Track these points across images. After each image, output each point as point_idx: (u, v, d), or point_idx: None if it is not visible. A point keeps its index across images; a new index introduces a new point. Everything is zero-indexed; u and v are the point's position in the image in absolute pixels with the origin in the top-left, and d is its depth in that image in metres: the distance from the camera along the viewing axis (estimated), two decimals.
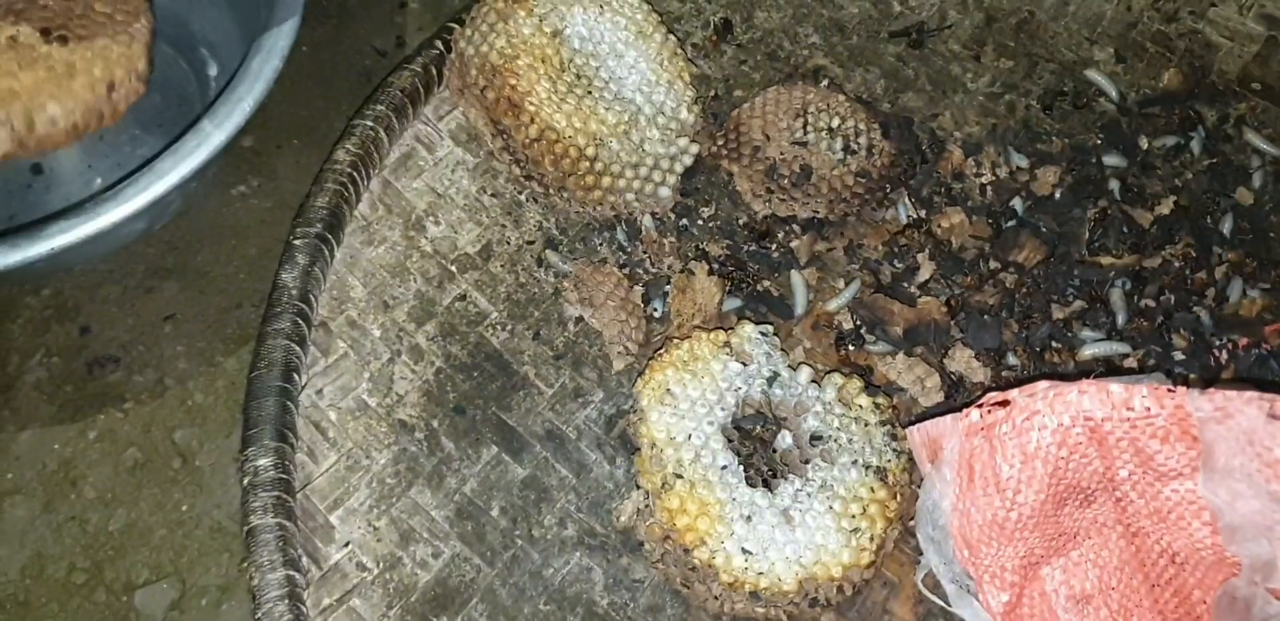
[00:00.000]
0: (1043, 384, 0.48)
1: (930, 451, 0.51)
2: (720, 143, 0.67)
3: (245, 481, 0.54)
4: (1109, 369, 0.62)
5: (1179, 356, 0.63)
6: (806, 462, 0.54)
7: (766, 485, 0.54)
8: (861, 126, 0.67)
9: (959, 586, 0.51)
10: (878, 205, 0.66)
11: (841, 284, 0.64)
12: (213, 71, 0.78)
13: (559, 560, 0.56)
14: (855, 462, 0.54)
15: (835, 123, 0.66)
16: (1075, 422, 0.47)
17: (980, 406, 0.49)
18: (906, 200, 0.67)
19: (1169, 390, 0.47)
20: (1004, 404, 0.48)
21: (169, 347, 0.69)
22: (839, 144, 0.66)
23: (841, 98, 0.68)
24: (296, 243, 0.61)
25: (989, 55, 0.74)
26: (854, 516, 0.53)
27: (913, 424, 0.54)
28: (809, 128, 0.66)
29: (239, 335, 0.71)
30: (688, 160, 0.65)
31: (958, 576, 0.51)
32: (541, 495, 0.57)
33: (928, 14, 0.75)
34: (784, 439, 0.55)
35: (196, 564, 0.63)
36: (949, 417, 0.50)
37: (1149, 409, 0.47)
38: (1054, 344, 0.63)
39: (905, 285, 0.65)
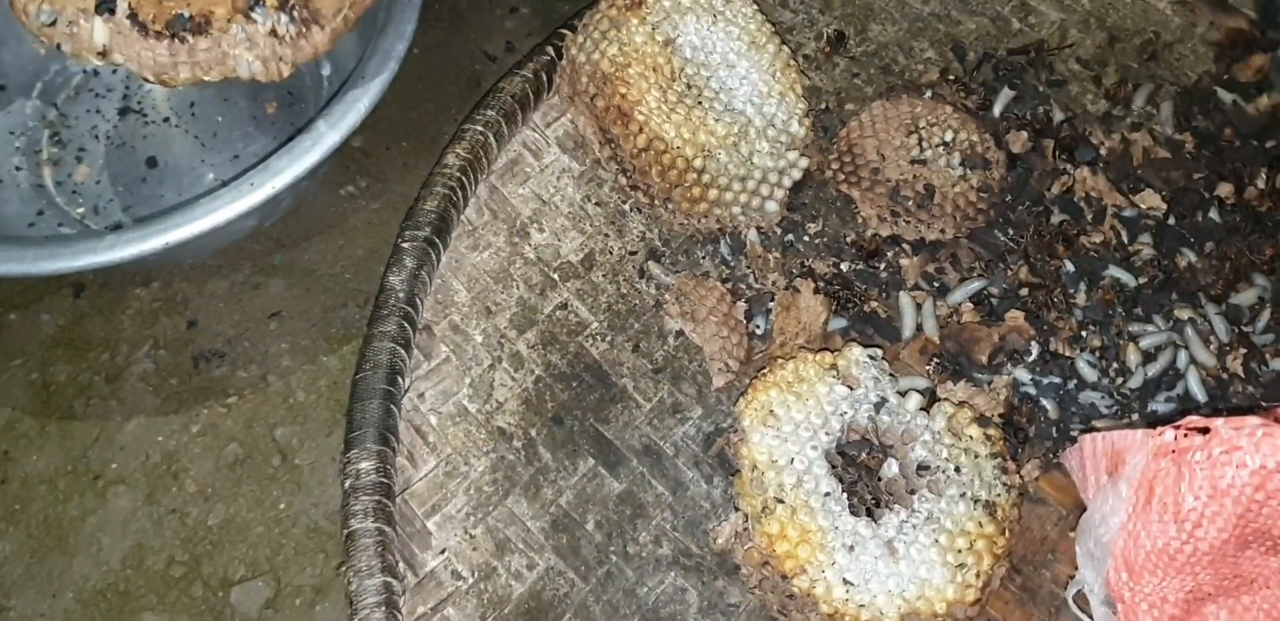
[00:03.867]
0: (1253, 419, 0.45)
1: (1111, 463, 0.48)
2: (836, 166, 0.66)
3: (347, 484, 0.54)
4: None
5: None
6: (912, 493, 0.53)
7: (870, 514, 0.53)
8: (975, 138, 0.65)
9: (1110, 609, 0.49)
10: (1004, 220, 0.64)
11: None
12: (325, 71, 0.79)
13: (653, 579, 0.55)
14: (964, 495, 0.52)
15: (949, 136, 0.65)
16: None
17: (1178, 428, 0.47)
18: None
19: None
20: (1204, 431, 0.46)
21: (273, 344, 0.70)
22: (956, 159, 0.64)
23: (948, 109, 0.66)
24: (405, 246, 0.61)
25: (1111, 76, 0.71)
26: (960, 551, 0.51)
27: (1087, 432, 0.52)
28: (924, 144, 0.65)
29: (342, 334, 0.71)
30: (796, 174, 0.64)
31: (1108, 598, 0.49)
32: (637, 511, 0.57)
33: (1048, 32, 0.73)
34: (890, 467, 0.54)
35: (292, 563, 0.64)
36: (1139, 432, 0.48)
37: None
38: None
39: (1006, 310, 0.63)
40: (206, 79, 0.62)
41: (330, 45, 0.63)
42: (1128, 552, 0.47)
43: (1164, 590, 0.47)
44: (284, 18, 0.60)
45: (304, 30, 0.60)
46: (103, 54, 0.59)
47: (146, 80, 0.60)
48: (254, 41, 0.60)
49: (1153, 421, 0.59)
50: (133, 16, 0.59)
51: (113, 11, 0.59)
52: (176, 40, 0.59)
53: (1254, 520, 0.46)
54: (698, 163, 0.61)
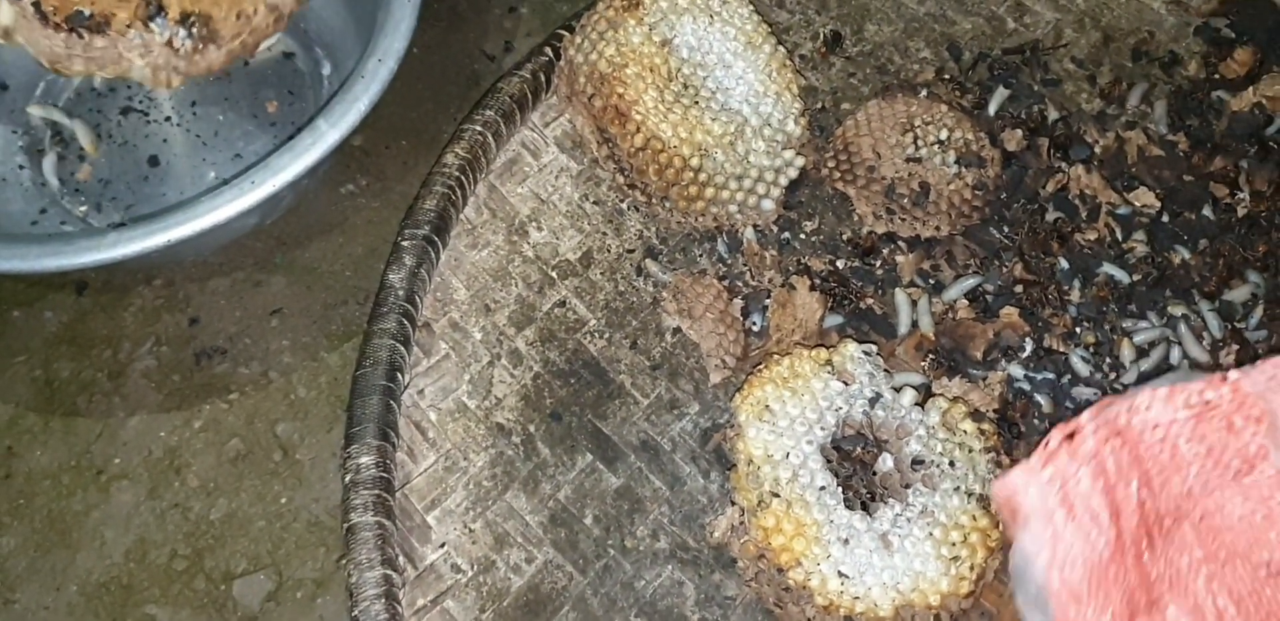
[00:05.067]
0: (1103, 401, 0.46)
1: (1009, 512, 0.49)
2: (832, 165, 0.66)
3: (347, 478, 0.55)
4: None
5: None
6: (907, 487, 0.54)
7: (865, 508, 0.53)
8: (970, 136, 0.66)
9: None
10: (999, 218, 0.65)
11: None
12: (326, 70, 0.80)
13: (651, 572, 0.56)
14: (958, 489, 0.53)
15: (944, 135, 0.65)
16: (1144, 430, 0.45)
17: (1045, 446, 0.47)
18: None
19: (1222, 378, 0.45)
20: (1071, 436, 0.46)
21: (274, 341, 0.71)
22: (951, 157, 0.65)
23: (944, 107, 0.67)
24: (404, 244, 0.61)
25: (1105, 75, 0.72)
26: (954, 544, 0.52)
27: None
28: (919, 142, 0.65)
29: (343, 331, 0.72)
30: (792, 173, 0.65)
31: None
32: (635, 505, 0.57)
33: (1043, 31, 0.74)
34: (885, 461, 0.55)
35: (293, 556, 0.64)
36: (1017, 469, 0.48)
37: (1208, 401, 0.45)
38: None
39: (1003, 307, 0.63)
40: (101, 74, 0.63)
41: (224, 65, 0.65)
42: (1067, 581, 0.47)
43: (1110, 601, 0.47)
44: (182, 32, 0.62)
45: (200, 47, 0.63)
46: (6, 35, 0.62)
47: (42, 66, 0.62)
48: (149, 49, 0.62)
49: None
50: (37, 4, 0.61)
51: None
52: (74, 34, 0.61)
53: (1147, 497, 0.46)
54: (695, 161, 0.62)
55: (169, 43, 0.62)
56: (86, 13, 0.61)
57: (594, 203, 0.66)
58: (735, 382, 0.60)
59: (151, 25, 0.62)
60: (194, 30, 0.62)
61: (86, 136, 0.76)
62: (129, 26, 0.61)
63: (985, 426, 0.56)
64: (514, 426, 0.59)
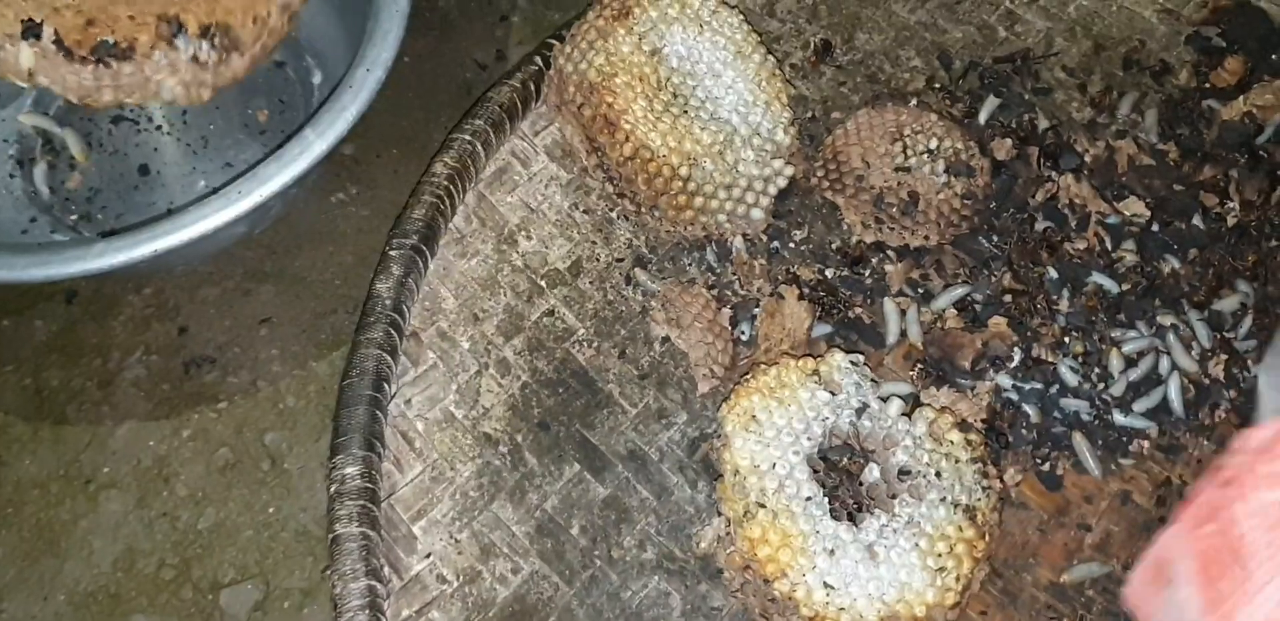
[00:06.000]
0: (1257, 434, 0.42)
1: (1154, 573, 0.43)
2: (821, 174, 0.66)
3: (332, 489, 0.55)
4: None
5: None
6: (893, 497, 0.54)
7: (851, 519, 0.53)
8: (959, 145, 0.66)
9: None
10: (988, 227, 0.65)
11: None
12: (316, 79, 0.80)
13: (637, 583, 0.56)
14: (944, 500, 0.53)
15: (933, 144, 0.65)
16: None
17: (1195, 498, 0.42)
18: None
19: None
20: (1228, 481, 0.42)
21: (263, 350, 0.71)
22: (940, 166, 0.65)
23: (933, 116, 0.67)
24: (392, 254, 0.61)
25: (1096, 84, 0.72)
26: (940, 555, 0.52)
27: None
28: (908, 152, 0.65)
29: (332, 340, 0.72)
30: (782, 182, 0.65)
31: None
32: (622, 516, 0.57)
33: (1034, 40, 0.74)
34: (871, 472, 0.54)
35: (281, 566, 0.64)
36: (1166, 534, 0.43)
37: None
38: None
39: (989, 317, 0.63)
40: (129, 101, 0.64)
41: (250, 70, 0.66)
42: None
43: None
44: (205, 45, 0.62)
45: (224, 57, 0.63)
46: (29, 76, 0.62)
47: (71, 102, 0.62)
48: (176, 67, 0.63)
49: (1132, 430, 0.60)
50: (58, 42, 0.61)
51: (38, 37, 0.61)
52: (101, 65, 0.61)
53: None
54: (684, 171, 0.62)
55: (194, 58, 0.62)
56: (111, 41, 0.61)
57: (583, 211, 0.66)
58: (723, 392, 0.60)
59: (175, 43, 0.62)
60: (216, 41, 0.62)
61: (77, 145, 0.77)
62: (153, 48, 0.62)
63: (972, 436, 0.56)
64: (501, 436, 0.59)
